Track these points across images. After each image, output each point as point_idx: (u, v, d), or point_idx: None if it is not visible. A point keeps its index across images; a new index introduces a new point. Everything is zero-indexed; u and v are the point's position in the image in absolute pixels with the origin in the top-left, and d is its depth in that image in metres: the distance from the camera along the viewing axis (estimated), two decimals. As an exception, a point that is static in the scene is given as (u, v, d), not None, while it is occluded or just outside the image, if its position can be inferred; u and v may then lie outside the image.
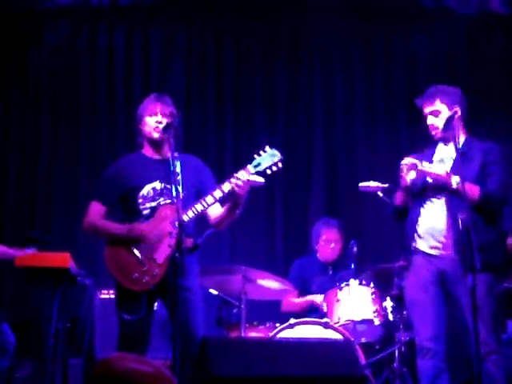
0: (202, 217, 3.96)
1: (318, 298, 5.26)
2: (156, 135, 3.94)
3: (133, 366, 1.69)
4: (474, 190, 3.88)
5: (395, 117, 6.46)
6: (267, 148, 3.89)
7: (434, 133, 4.10)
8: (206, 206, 3.82)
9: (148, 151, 4.03)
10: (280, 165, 3.88)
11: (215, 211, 3.99)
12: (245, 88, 6.48)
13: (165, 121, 3.91)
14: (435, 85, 4.17)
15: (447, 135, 4.04)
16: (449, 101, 4.06)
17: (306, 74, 6.55)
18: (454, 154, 4.02)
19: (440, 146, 4.18)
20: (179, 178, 3.65)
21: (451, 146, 4.06)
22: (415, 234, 4.07)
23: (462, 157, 3.89)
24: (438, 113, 4.06)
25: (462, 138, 4.03)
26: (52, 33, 6.35)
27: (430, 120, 4.10)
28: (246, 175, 3.79)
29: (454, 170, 3.97)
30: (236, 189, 3.78)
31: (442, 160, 4.12)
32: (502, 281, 4.12)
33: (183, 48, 6.46)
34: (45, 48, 6.32)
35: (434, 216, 4.04)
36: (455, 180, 3.88)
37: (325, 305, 5.04)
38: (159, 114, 3.94)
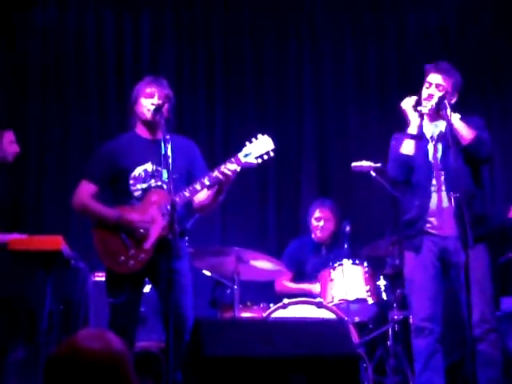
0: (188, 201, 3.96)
1: (315, 288, 5.18)
2: (148, 116, 3.92)
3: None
4: (471, 130, 3.97)
5: (387, 94, 6.39)
6: (259, 136, 3.88)
7: (425, 103, 4.05)
8: (194, 192, 3.82)
9: (141, 131, 4.02)
10: (272, 154, 3.86)
11: (200, 196, 3.98)
12: (235, 64, 6.43)
13: (160, 102, 3.89)
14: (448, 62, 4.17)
15: (437, 112, 4.03)
16: (454, 84, 4.08)
17: (295, 48, 6.49)
18: (437, 131, 4.11)
19: (424, 124, 4.17)
20: (170, 160, 3.64)
21: (436, 124, 4.11)
22: (420, 216, 4.05)
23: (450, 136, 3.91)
24: (443, 89, 4.02)
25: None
26: (40, 15, 6.28)
27: (432, 90, 4.06)
28: (235, 165, 3.79)
29: (445, 146, 4.03)
30: (222, 177, 3.77)
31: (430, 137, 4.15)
32: (501, 254, 4.15)
33: (173, 27, 6.40)
34: (33, 31, 6.23)
35: (433, 197, 4.04)
36: (456, 116, 3.95)
37: (318, 284, 5.06)
38: (155, 97, 3.93)
